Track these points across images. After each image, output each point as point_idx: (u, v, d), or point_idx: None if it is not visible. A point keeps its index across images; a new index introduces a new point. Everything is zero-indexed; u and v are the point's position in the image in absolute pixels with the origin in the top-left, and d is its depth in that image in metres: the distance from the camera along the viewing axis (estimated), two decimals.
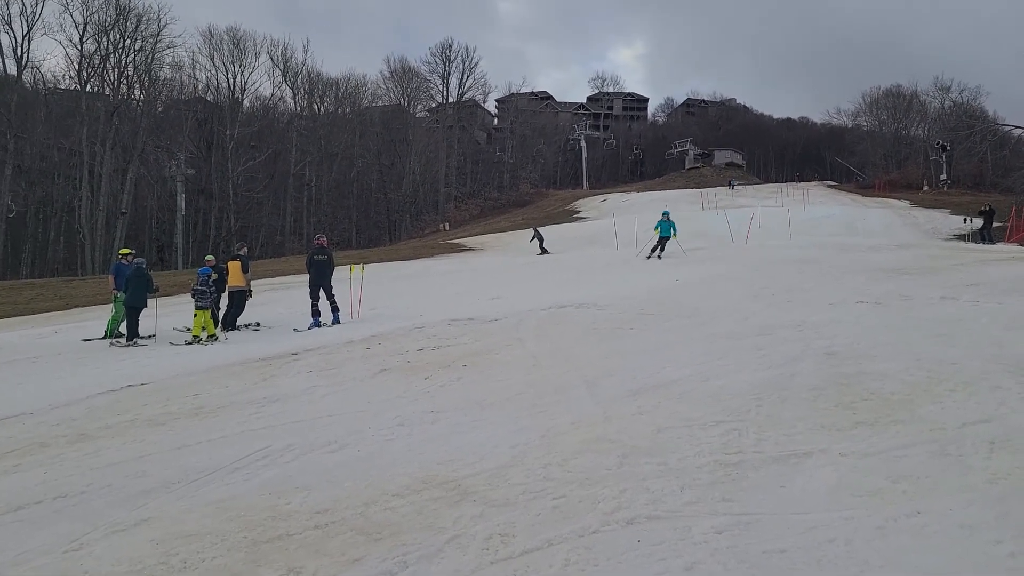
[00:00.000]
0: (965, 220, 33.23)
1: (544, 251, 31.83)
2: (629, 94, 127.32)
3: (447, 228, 65.33)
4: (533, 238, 33.06)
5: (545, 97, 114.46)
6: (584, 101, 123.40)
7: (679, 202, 52.74)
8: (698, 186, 70.75)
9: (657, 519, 4.12)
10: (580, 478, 4.85)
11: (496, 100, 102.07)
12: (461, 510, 4.48)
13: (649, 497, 4.43)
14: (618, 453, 5.26)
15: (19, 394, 9.17)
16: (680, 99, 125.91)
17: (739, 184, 70.70)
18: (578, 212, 60.34)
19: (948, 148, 63.24)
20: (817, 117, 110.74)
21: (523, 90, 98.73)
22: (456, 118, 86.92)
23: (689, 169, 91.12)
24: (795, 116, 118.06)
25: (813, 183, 72.71)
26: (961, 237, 31.19)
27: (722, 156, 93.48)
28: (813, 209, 42.09)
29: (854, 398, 6.10)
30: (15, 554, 4.21)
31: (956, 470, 4.53)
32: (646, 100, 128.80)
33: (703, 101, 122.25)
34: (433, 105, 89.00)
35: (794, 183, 70.33)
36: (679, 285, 15.62)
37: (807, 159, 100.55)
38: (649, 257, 23.57)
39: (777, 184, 73.44)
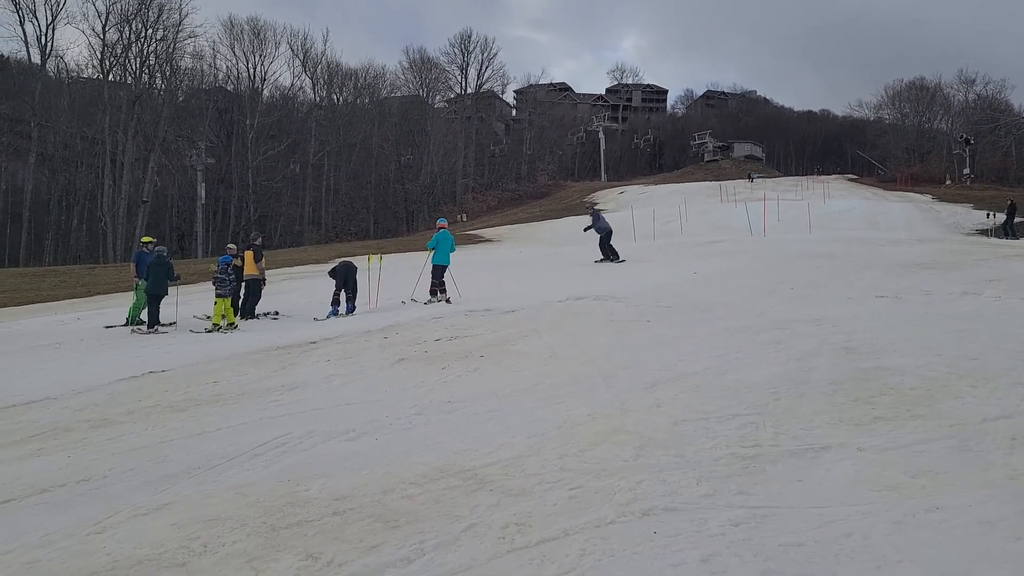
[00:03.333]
0: (988, 215, 32.82)
1: (609, 257, 21.28)
2: (648, 86, 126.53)
3: (464, 219, 65.32)
4: (589, 228, 22.63)
5: (563, 88, 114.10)
6: (603, 92, 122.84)
7: (698, 195, 52.51)
8: (717, 179, 70.26)
9: (673, 511, 4.12)
10: (596, 469, 4.86)
11: (515, 91, 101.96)
12: (478, 499, 4.51)
13: (665, 489, 4.44)
14: (635, 445, 5.27)
15: (43, 379, 9.31)
16: (700, 91, 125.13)
17: (759, 177, 70.13)
18: (596, 204, 60.18)
19: (972, 142, 62.41)
20: (838, 110, 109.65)
21: (541, 81, 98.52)
22: (474, 109, 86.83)
23: (708, 162, 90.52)
24: (816, 109, 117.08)
25: (834, 176, 71.99)
26: (984, 232, 30.81)
27: (741, 149, 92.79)
28: (833, 203, 41.73)
29: (872, 393, 6.08)
30: (40, 536, 4.28)
31: (976, 466, 4.50)
32: (665, 92, 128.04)
33: (723, 93, 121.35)
34: (451, 96, 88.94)
35: (814, 176, 69.69)
36: (697, 278, 15.57)
37: (828, 152, 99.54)
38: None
39: (797, 177, 72.84)
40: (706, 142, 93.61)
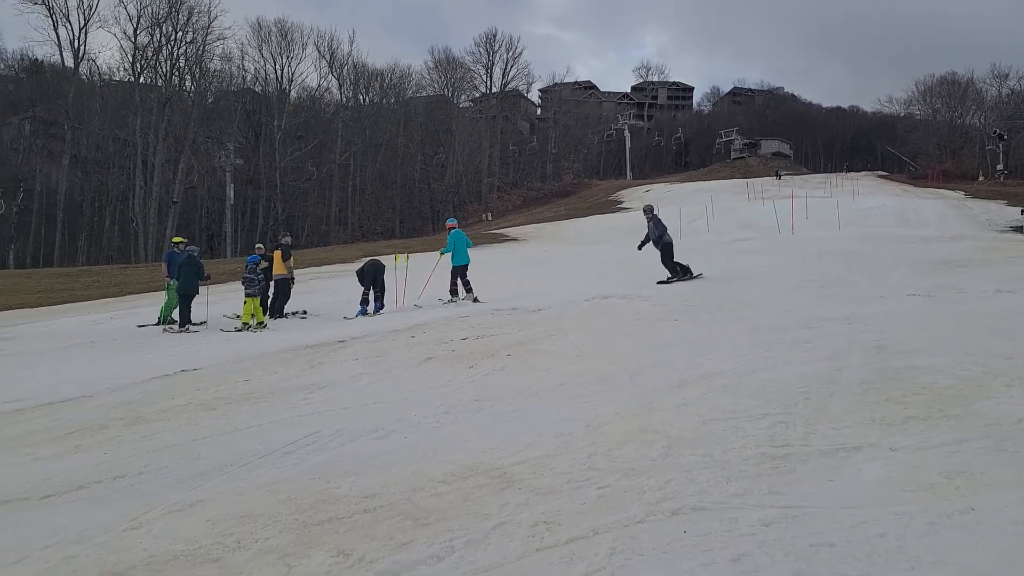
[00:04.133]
0: (1023, 212, 32.24)
1: (680, 274, 15.47)
2: (674, 83, 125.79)
3: (490, 218, 65.43)
4: (645, 243, 16.38)
5: (588, 86, 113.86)
6: (628, 90, 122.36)
7: (724, 193, 52.15)
8: (744, 176, 69.75)
9: (703, 510, 4.10)
10: (624, 468, 4.85)
11: (540, 90, 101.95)
12: (506, 497, 4.52)
13: (695, 488, 4.42)
14: (663, 444, 5.25)
15: (78, 378, 9.47)
16: (726, 88, 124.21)
17: (786, 174, 69.56)
18: (621, 203, 59.97)
19: (1005, 137, 61.39)
20: (868, 106, 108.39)
21: (566, 79, 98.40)
22: (499, 108, 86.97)
23: (735, 159, 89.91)
24: (844, 105, 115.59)
25: (863, 173, 71.24)
26: (1018, 229, 30.28)
27: (769, 146, 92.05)
28: (863, 200, 41.24)
29: (905, 392, 6.00)
30: (78, 531, 4.36)
31: (1011, 466, 4.43)
32: (691, 89, 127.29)
33: (750, 90, 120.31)
34: (476, 95, 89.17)
35: (843, 173, 68.92)
36: (724, 276, 15.48)
37: (857, 149, 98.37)
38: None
39: (826, 174, 72.12)
40: (733, 139, 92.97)
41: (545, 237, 39.22)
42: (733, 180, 67.67)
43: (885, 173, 74.94)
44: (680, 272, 15.47)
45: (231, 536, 4.17)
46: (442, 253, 15.79)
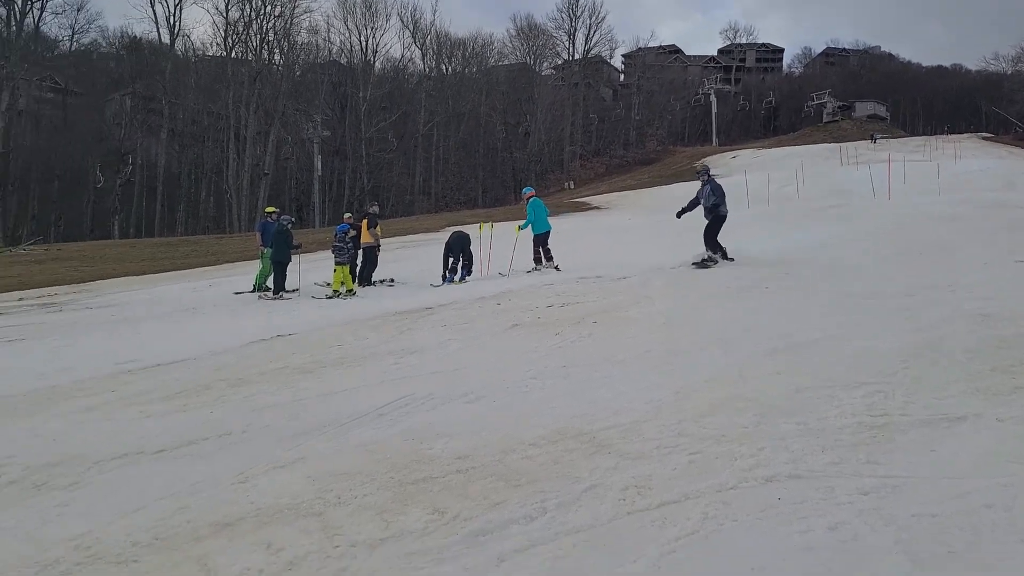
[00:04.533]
0: None
1: (713, 255, 12.89)
2: (763, 45, 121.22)
3: (572, 186, 65.14)
4: (689, 210, 14.11)
5: (673, 51, 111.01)
6: (715, 54, 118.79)
7: (816, 157, 50.43)
8: (837, 141, 67.21)
9: (798, 478, 4.05)
10: (715, 435, 4.82)
11: (623, 55, 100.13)
12: (596, 461, 4.55)
13: (789, 456, 4.35)
14: (755, 412, 5.18)
15: (182, 342, 9.93)
16: (818, 49, 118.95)
17: (882, 137, 66.70)
18: (711, 169, 58.58)
19: None
20: (972, 64, 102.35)
21: (650, 44, 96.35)
22: (582, 75, 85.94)
23: (827, 123, 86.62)
24: (946, 63, 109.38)
25: (965, 135, 67.74)
26: None
27: (864, 108, 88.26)
28: (966, 163, 39.29)
29: (1013, 362, 5.74)
30: (190, 484, 4.62)
31: None
32: (781, 51, 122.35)
33: (843, 50, 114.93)
34: (559, 62, 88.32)
35: (944, 136, 65.58)
36: (816, 243, 15.01)
37: (959, 110, 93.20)
38: None
39: (925, 137, 68.87)
40: (825, 102, 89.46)
41: (628, 205, 38.83)
42: (825, 144, 65.38)
43: (990, 135, 71.06)
44: (723, 253, 12.94)
45: (331, 492, 4.35)
46: (520, 228, 15.70)
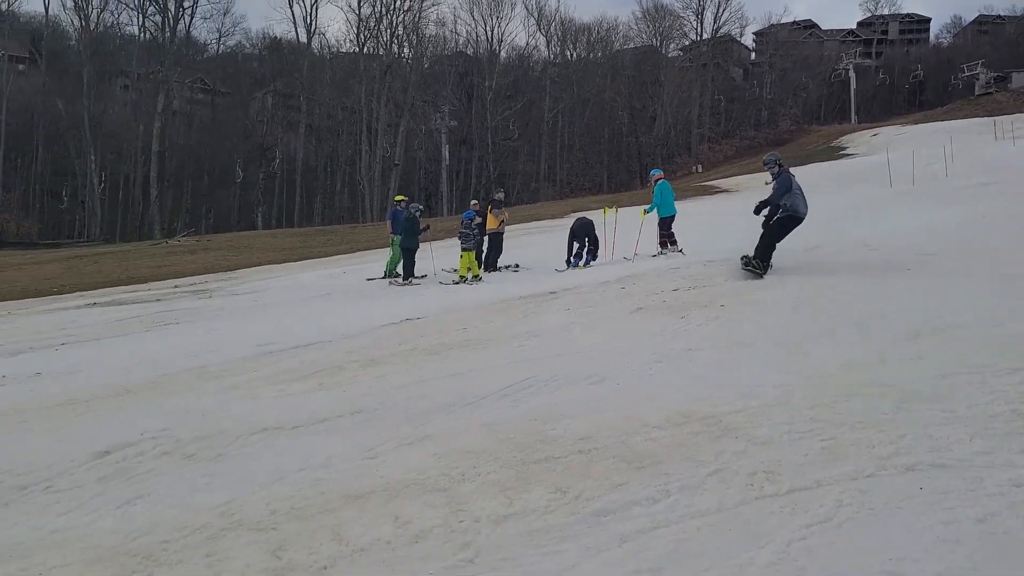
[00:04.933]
0: None
1: (758, 263, 10.45)
2: (907, 15, 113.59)
3: (700, 170, 63.58)
4: (766, 207, 11.19)
5: (808, 26, 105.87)
6: (854, 27, 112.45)
7: (966, 133, 46.81)
8: (990, 114, 62.18)
9: (942, 467, 3.80)
10: (851, 421, 4.59)
11: (754, 33, 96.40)
12: (722, 445, 4.44)
13: (932, 444, 4.09)
14: (895, 397, 4.89)
15: (318, 325, 10.41)
16: (970, 17, 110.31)
17: None
18: (844, 148, 55.81)
19: None
20: None
21: (783, 19, 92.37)
22: (711, 55, 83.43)
23: (979, 96, 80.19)
24: None
25: None
26: None
27: (1021, 79, 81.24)
28: None
29: None
30: (324, 457, 4.83)
31: None
32: (928, 20, 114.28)
33: (999, 17, 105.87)
34: (686, 43, 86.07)
35: None
36: (965, 222, 14.00)
37: None
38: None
39: None
40: (977, 73, 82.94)
41: (758, 187, 37.42)
42: (977, 119, 60.61)
43: None
44: (764, 261, 10.48)
45: (456, 469, 4.44)
46: (646, 212, 15.36)
